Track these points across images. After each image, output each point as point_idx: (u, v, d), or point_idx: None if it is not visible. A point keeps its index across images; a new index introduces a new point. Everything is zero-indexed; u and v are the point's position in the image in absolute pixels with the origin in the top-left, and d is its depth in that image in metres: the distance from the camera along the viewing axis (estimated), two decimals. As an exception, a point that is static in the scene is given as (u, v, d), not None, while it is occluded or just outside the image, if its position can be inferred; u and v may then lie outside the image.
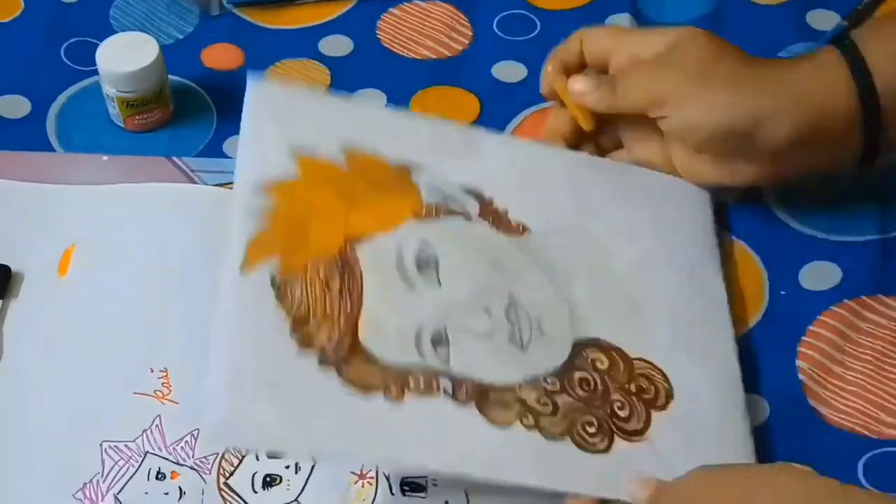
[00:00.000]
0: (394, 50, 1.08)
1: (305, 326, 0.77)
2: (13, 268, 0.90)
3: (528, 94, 1.04)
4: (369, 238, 0.83)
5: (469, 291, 0.83)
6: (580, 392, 0.81)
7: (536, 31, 1.10)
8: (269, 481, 0.80)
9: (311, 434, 0.74)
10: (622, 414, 0.81)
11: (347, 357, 0.77)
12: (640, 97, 0.89)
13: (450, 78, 1.06)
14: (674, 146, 0.92)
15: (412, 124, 0.93)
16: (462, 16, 1.11)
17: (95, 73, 0.99)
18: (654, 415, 0.81)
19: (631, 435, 0.80)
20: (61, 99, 1.03)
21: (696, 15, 1.11)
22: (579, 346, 0.83)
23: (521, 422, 0.78)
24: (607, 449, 0.79)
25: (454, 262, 0.84)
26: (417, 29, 1.10)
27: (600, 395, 0.81)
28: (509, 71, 1.07)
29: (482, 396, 0.78)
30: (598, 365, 0.82)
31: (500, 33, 1.10)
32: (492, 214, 0.88)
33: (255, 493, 0.80)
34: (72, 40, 1.07)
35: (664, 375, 0.83)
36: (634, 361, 0.84)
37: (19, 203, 0.95)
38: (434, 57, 1.08)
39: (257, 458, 0.81)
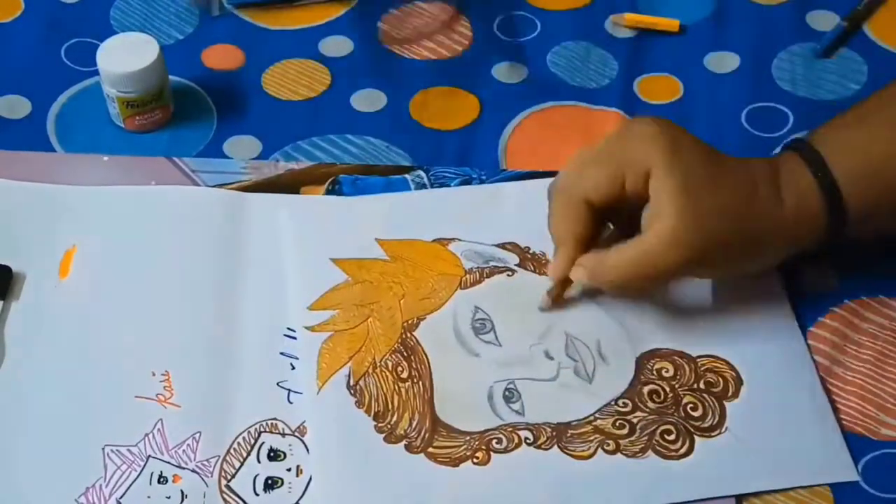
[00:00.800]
0: (393, 50, 1.08)
1: (386, 420, 0.83)
2: (14, 268, 0.90)
3: (527, 94, 1.04)
4: (425, 319, 0.88)
5: (528, 342, 0.87)
6: (652, 405, 0.85)
7: (536, 32, 1.10)
8: (271, 484, 0.80)
9: None
10: (696, 414, 0.84)
11: (431, 438, 0.83)
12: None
13: (450, 78, 1.06)
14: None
15: (435, 201, 0.96)
16: (462, 16, 1.11)
17: (96, 73, 0.99)
18: (728, 405, 0.85)
19: (709, 431, 0.83)
20: (62, 99, 1.03)
21: (696, 16, 1.11)
22: (642, 360, 0.87)
23: (603, 449, 0.82)
24: (689, 451, 0.82)
25: (508, 319, 0.88)
26: (418, 29, 1.10)
27: (672, 401, 0.85)
28: (509, 71, 1.07)
29: (562, 436, 0.83)
30: (664, 373, 0.86)
31: (500, 34, 1.10)
32: (531, 261, 0.92)
33: (257, 495, 0.80)
34: (72, 41, 1.07)
35: (730, 364, 0.86)
36: (698, 359, 0.87)
37: (20, 203, 0.95)
38: (434, 58, 1.08)
39: (258, 461, 0.81)
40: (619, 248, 0.84)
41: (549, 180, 0.96)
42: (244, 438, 0.82)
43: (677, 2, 1.13)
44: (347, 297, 0.90)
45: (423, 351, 0.87)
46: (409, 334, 0.88)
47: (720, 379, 0.86)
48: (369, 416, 0.83)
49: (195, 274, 0.90)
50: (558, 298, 0.89)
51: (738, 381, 0.86)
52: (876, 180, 0.85)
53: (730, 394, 0.85)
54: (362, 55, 1.08)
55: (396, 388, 0.85)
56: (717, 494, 0.80)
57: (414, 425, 0.83)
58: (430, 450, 0.82)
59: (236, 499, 0.80)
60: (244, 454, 0.82)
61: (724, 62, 1.08)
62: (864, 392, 0.86)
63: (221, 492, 0.80)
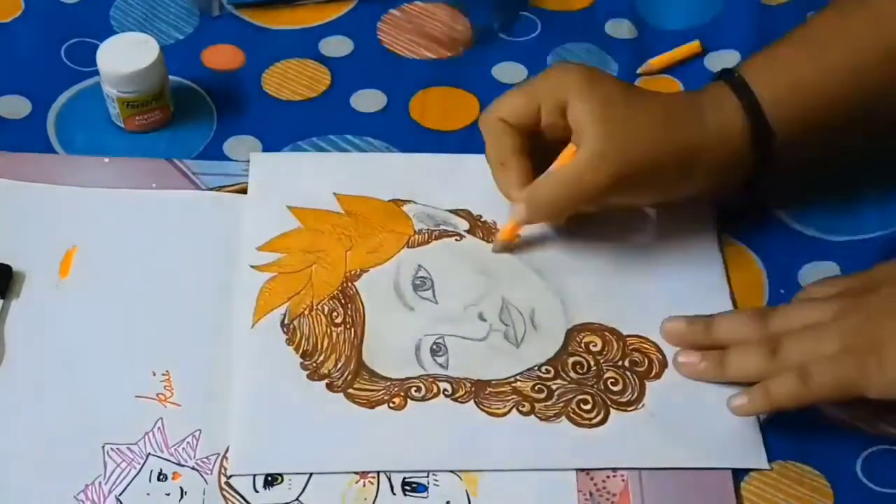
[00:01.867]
0: (394, 50, 1.08)
1: (313, 359, 0.86)
2: (14, 267, 0.90)
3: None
4: (368, 271, 0.91)
5: (464, 303, 0.89)
6: (574, 374, 0.87)
7: (537, 32, 1.10)
8: (271, 481, 0.80)
9: (324, 452, 0.82)
10: (615, 388, 0.86)
11: (353, 380, 0.85)
12: None
13: (450, 78, 1.06)
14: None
15: (397, 163, 0.99)
16: (462, 16, 1.11)
17: (96, 73, 0.99)
18: (649, 384, 0.86)
19: (626, 406, 0.85)
20: (62, 99, 1.03)
21: (696, 16, 1.12)
22: (573, 333, 0.89)
23: (518, 409, 0.84)
24: (603, 422, 0.84)
25: (448, 280, 0.91)
26: (418, 29, 1.10)
27: (594, 374, 0.87)
28: (509, 72, 1.07)
29: (480, 392, 0.85)
30: (592, 347, 0.88)
31: (500, 34, 1.10)
32: (481, 228, 0.94)
33: (257, 492, 0.80)
34: (72, 41, 1.07)
35: (658, 347, 0.88)
36: (628, 338, 0.89)
37: (21, 203, 0.95)
38: (434, 57, 1.08)
39: (258, 459, 0.82)
40: (547, 176, 0.88)
41: None
42: (244, 436, 0.83)
43: (677, 3, 1.13)
44: (296, 242, 0.92)
45: (361, 300, 0.89)
46: (349, 284, 0.90)
47: (645, 359, 0.88)
48: (297, 353, 0.86)
49: (195, 274, 0.91)
50: (509, 235, 0.92)
51: (663, 364, 0.87)
52: (800, 100, 0.88)
53: (652, 374, 0.87)
54: (362, 55, 1.08)
55: (329, 331, 0.87)
56: (624, 466, 0.82)
57: (339, 367, 0.85)
58: (350, 391, 0.84)
59: (236, 496, 0.80)
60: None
61: (724, 62, 1.07)
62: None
63: (221, 489, 0.80)
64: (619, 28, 1.11)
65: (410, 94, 1.05)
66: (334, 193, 0.95)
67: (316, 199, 0.95)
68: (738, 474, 0.82)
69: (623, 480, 0.82)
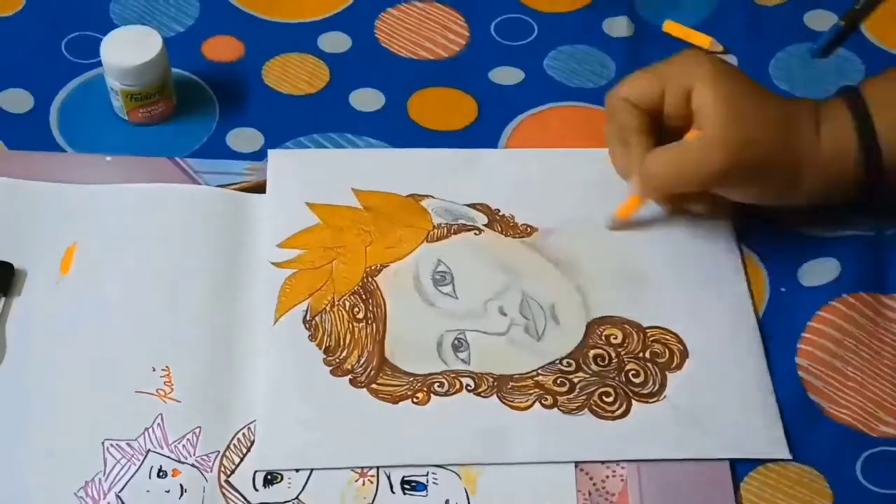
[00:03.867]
0: (391, 49, 1.08)
1: (336, 354, 0.87)
2: (16, 265, 0.90)
3: (525, 97, 1.04)
4: (388, 266, 0.92)
5: (484, 298, 0.90)
6: (595, 367, 0.88)
7: (534, 35, 1.10)
8: (271, 479, 0.81)
9: (349, 447, 0.83)
10: (637, 381, 0.87)
11: (376, 375, 0.86)
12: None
13: (447, 79, 1.06)
14: None
15: (414, 159, 0.99)
16: (459, 17, 1.11)
17: (97, 66, 0.99)
18: (670, 375, 0.88)
19: (647, 397, 0.86)
20: (63, 93, 1.02)
21: (694, 16, 1.12)
22: (593, 326, 0.90)
23: (541, 403, 0.85)
24: (626, 413, 0.85)
25: (468, 274, 0.91)
26: (415, 29, 1.10)
27: (615, 367, 0.88)
28: (506, 74, 1.07)
29: (502, 386, 0.86)
30: (612, 340, 0.89)
31: (496, 36, 1.10)
32: (500, 222, 0.95)
33: (257, 490, 0.80)
34: (73, 34, 1.07)
35: (678, 338, 0.89)
36: (648, 330, 0.89)
37: (22, 201, 0.95)
38: (431, 58, 1.08)
39: (258, 456, 0.82)
40: (662, 149, 0.89)
41: (530, 150, 1.01)
42: (244, 434, 0.83)
43: (676, 3, 1.13)
44: (316, 238, 0.93)
45: (382, 295, 0.90)
46: (370, 279, 0.91)
47: (666, 350, 0.88)
48: (320, 349, 0.87)
49: (196, 270, 0.91)
50: (625, 212, 0.94)
51: (684, 355, 0.88)
52: None
53: (674, 365, 0.88)
54: (360, 53, 1.08)
55: (350, 326, 0.88)
56: (648, 457, 0.83)
57: (361, 362, 0.86)
58: (374, 386, 0.86)
59: (236, 494, 0.80)
60: (244, 450, 0.82)
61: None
62: (863, 389, 0.87)
63: (221, 486, 0.80)
64: (618, 26, 1.11)
65: (408, 93, 1.04)
66: (353, 189, 0.96)
67: (334, 194, 0.96)
68: (738, 474, 0.83)
69: (622, 480, 0.82)
